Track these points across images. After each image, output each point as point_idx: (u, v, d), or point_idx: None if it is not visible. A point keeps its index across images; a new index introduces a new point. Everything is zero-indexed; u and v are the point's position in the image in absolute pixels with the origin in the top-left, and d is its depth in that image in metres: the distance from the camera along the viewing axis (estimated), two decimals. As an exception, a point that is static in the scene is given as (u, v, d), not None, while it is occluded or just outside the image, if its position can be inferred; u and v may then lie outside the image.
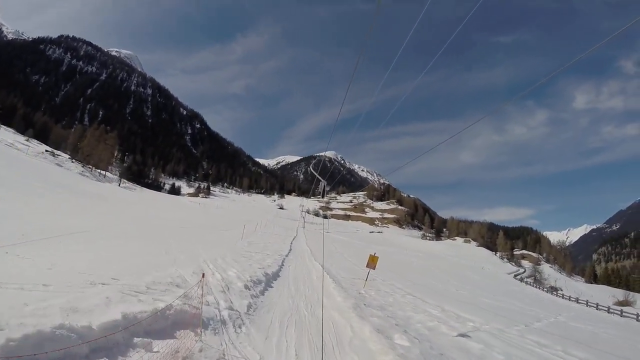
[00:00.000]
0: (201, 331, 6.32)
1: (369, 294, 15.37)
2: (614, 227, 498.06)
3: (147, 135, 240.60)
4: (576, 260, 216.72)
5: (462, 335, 10.62)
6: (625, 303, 54.31)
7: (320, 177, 14.39)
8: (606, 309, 39.77)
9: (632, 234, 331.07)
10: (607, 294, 71.59)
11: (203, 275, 6.88)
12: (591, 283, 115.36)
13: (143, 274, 9.34)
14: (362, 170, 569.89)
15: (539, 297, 47.53)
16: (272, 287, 12.97)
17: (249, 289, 10.76)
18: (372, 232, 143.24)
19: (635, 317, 33.18)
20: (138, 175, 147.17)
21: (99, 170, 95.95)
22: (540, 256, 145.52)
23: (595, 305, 41.72)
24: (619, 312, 36.33)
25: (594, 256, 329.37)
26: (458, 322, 12.73)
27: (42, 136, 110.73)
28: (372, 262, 17.67)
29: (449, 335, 10.34)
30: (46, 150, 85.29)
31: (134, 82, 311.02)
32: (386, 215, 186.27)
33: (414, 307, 14.41)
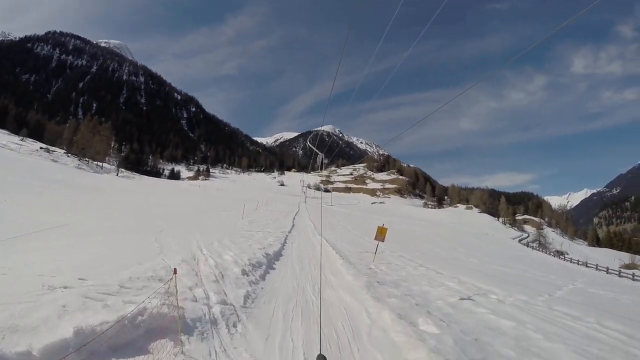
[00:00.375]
0: (182, 340, 4.99)
1: (379, 268, 14.23)
2: (614, 191, 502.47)
3: (142, 123, 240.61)
4: (577, 224, 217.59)
5: (489, 311, 9.42)
6: (632, 266, 54.02)
7: (317, 150, 13.28)
8: (617, 272, 39.01)
9: (633, 197, 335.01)
10: (612, 257, 70.92)
11: (175, 270, 5.39)
12: (594, 246, 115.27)
13: (120, 269, 8.02)
14: (361, 143, 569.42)
15: (548, 261, 46.71)
16: (274, 268, 11.85)
17: (247, 275, 9.55)
18: (374, 203, 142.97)
19: None
20: (136, 164, 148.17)
21: (96, 163, 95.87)
22: (542, 221, 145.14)
23: (605, 269, 40.97)
24: (631, 276, 35.39)
25: (595, 220, 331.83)
26: (479, 295, 11.59)
27: (36, 134, 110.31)
28: (380, 234, 16.51)
29: (475, 312, 9.17)
30: (41, 148, 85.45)
31: (126, 71, 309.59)
32: (387, 185, 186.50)
33: (430, 281, 13.24)
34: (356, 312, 7.77)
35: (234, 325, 6.19)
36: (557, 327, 8.84)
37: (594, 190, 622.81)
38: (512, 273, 23.11)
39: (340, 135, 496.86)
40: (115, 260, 9.17)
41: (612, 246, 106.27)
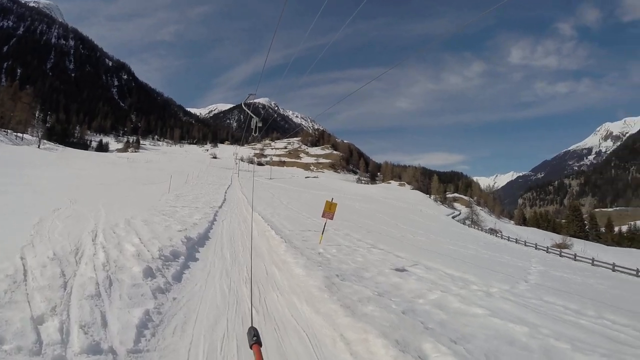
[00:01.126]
0: None
1: (330, 253, 11.74)
2: (539, 175, 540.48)
3: (70, 91, 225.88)
4: (503, 203, 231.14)
5: (487, 311, 7.35)
6: (563, 245, 55.92)
7: (251, 113, 10.87)
8: (557, 252, 39.69)
9: (556, 182, 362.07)
10: (542, 236, 73.24)
11: None
12: (521, 225, 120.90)
13: None
14: (297, 117, 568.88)
15: (489, 240, 47.73)
16: (196, 259, 8.70)
17: (153, 276, 6.32)
18: (308, 177, 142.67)
19: (590, 261, 32.50)
20: (62, 135, 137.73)
21: (16, 134, 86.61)
22: (471, 199, 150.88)
23: (545, 249, 41.88)
24: (573, 256, 35.68)
25: (520, 201, 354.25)
26: (460, 287, 9.62)
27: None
28: (329, 210, 14.05)
29: (472, 314, 7.05)
30: (-48, 119, 76.21)
31: (55, 34, 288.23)
32: (321, 160, 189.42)
33: (395, 268, 10.92)
34: (327, 342, 4.88)
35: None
36: (571, 328, 7.23)
37: (520, 174, 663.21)
38: (469, 254, 22.02)
39: (276, 108, 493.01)
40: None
41: (538, 226, 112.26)
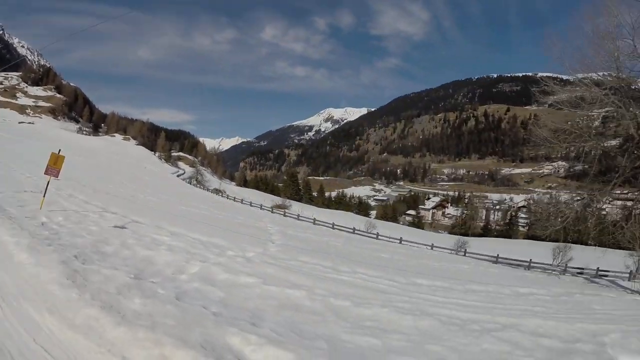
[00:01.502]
0: None
1: (56, 222, 9.20)
2: (262, 143, 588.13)
3: None
4: (226, 165, 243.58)
5: (259, 279, 6.92)
6: (283, 207, 60.08)
7: None
8: (282, 212, 43.24)
9: (277, 151, 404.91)
10: (261, 197, 76.51)
11: None
12: (242, 187, 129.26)
13: None
14: (23, 47, 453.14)
15: (216, 200, 48.94)
16: None
17: None
18: (22, 122, 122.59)
19: (312, 221, 36.20)
20: None
21: None
22: (195, 159, 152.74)
23: (270, 209, 45.08)
24: (296, 216, 39.27)
25: (242, 164, 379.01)
26: (217, 255, 9.02)
27: None
28: (54, 165, 10.77)
29: (245, 284, 6.58)
30: None
31: None
32: (41, 103, 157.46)
33: (137, 237, 9.39)
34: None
35: None
36: (340, 285, 7.64)
37: (245, 140, 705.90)
38: (205, 215, 22.25)
39: (1, 32, 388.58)
40: None
41: (257, 188, 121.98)
